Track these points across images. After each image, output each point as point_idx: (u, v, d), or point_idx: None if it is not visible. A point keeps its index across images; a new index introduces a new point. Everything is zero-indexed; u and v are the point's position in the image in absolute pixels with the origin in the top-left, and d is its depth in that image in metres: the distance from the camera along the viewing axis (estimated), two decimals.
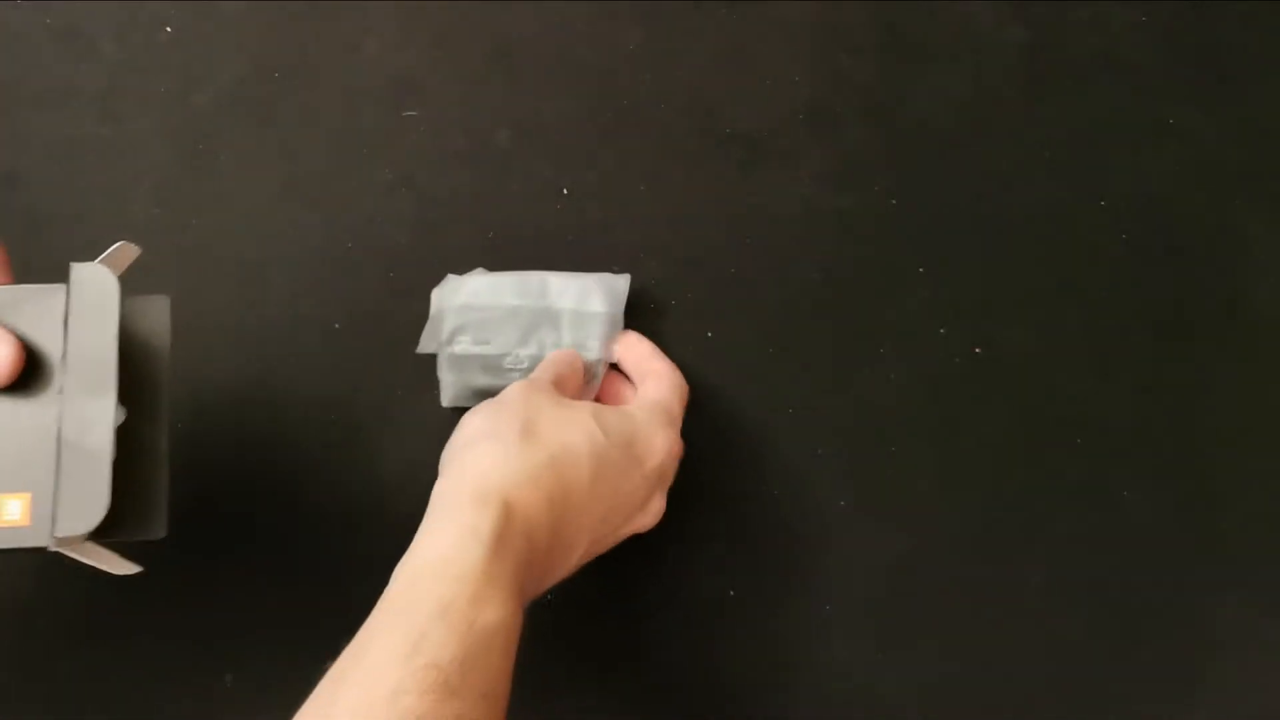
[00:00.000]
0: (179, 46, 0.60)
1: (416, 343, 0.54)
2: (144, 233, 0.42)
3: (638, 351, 0.52)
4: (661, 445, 0.46)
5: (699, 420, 0.55)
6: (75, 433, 0.35)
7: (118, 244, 0.37)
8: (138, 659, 0.51)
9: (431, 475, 0.52)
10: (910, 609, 0.53)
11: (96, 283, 0.36)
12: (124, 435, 0.36)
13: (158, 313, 0.39)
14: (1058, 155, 0.60)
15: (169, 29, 0.60)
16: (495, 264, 0.55)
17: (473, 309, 0.53)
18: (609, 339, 0.54)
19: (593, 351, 0.53)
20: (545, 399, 0.45)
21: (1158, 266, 0.58)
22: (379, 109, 0.59)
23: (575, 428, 0.44)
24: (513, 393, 0.46)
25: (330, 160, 0.58)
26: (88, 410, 0.35)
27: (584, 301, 0.53)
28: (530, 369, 0.53)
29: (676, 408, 0.50)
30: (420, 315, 0.55)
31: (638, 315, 0.55)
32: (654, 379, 0.51)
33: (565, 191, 0.58)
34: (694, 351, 0.56)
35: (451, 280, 0.55)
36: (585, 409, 0.45)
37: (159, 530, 0.38)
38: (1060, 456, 0.55)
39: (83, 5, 0.60)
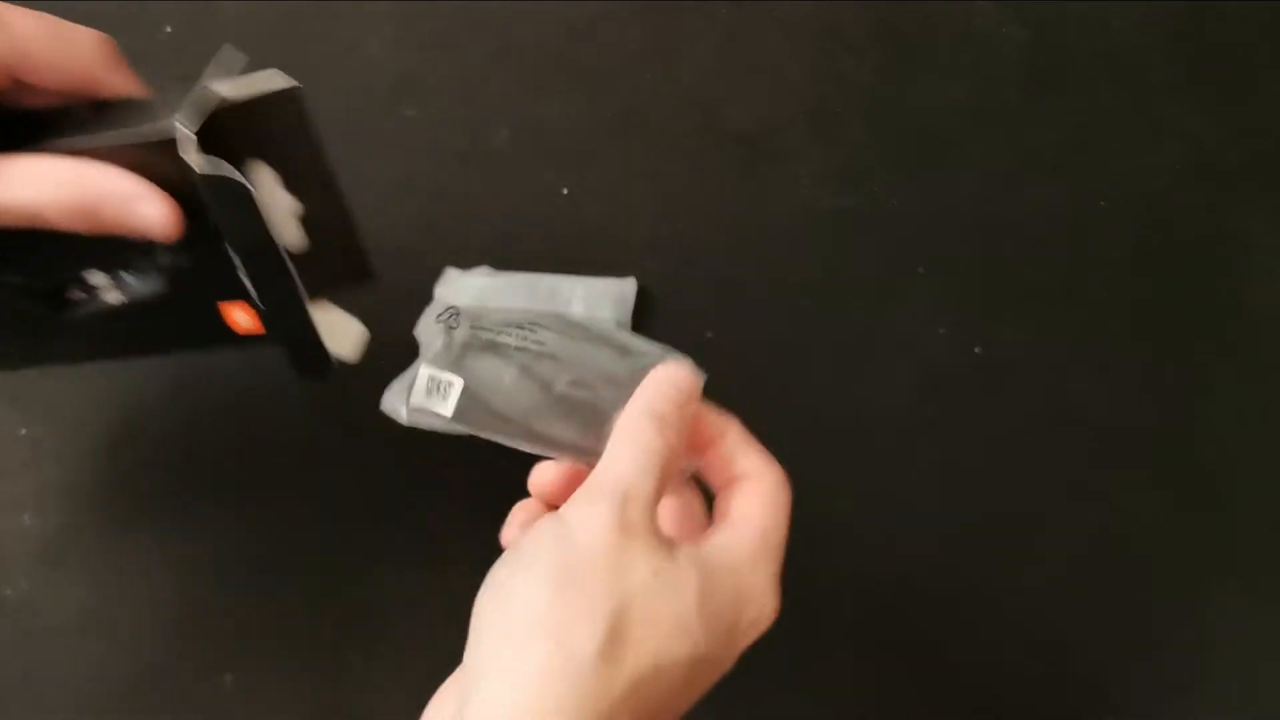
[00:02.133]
0: (179, 46, 0.60)
1: (416, 341, 0.54)
2: None
3: (724, 433, 0.36)
4: (768, 612, 0.34)
5: None
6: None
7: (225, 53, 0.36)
8: (138, 659, 0.51)
9: (433, 476, 0.52)
10: (910, 609, 0.53)
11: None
12: (308, 217, 0.38)
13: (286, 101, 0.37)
14: (1058, 155, 0.60)
15: (169, 29, 0.60)
16: (495, 264, 0.55)
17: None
18: None
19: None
20: (643, 560, 0.31)
21: (1158, 266, 0.58)
22: (379, 109, 0.59)
23: (674, 626, 0.31)
24: (594, 544, 0.31)
25: (330, 160, 0.58)
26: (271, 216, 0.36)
27: (595, 307, 0.54)
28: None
29: (786, 534, 0.36)
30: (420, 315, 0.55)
31: (638, 315, 0.55)
32: (755, 485, 0.36)
33: (565, 191, 0.58)
34: (694, 351, 0.56)
35: (453, 274, 0.55)
36: (690, 578, 0.31)
37: (371, 275, 0.40)
38: (1060, 456, 0.55)
39: (83, 5, 0.59)
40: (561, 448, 0.35)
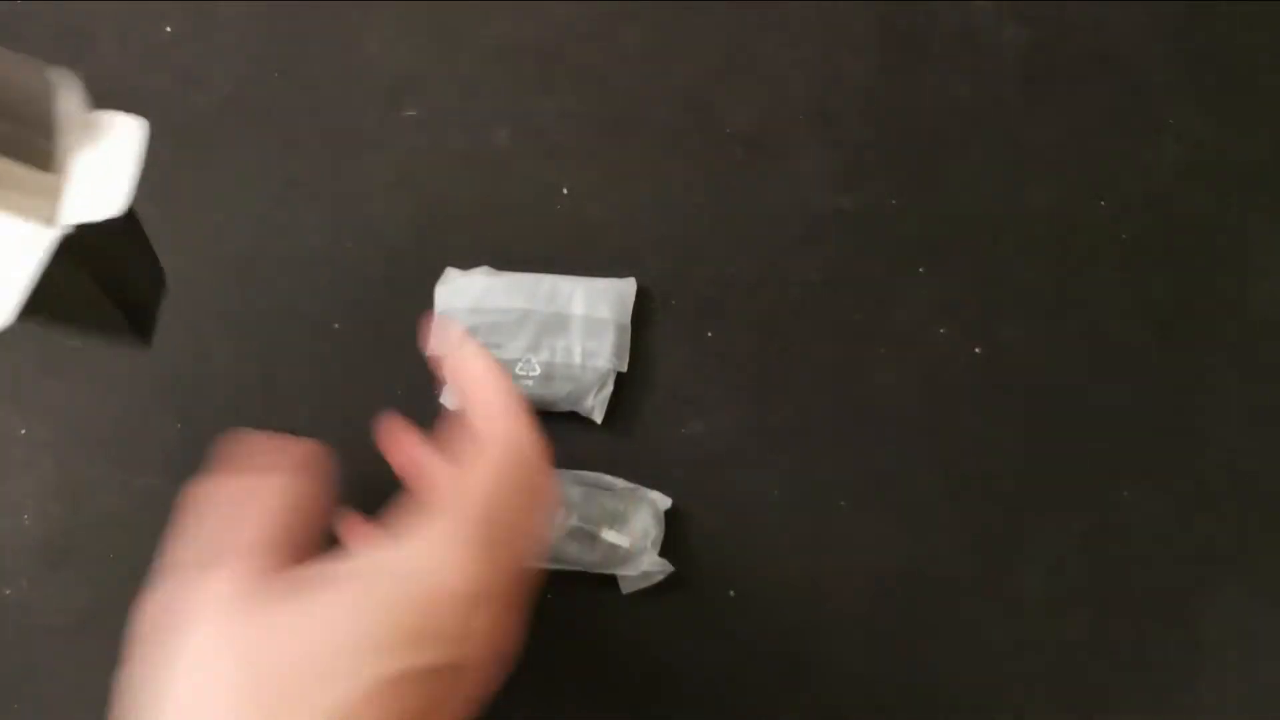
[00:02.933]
0: (179, 46, 0.60)
1: (416, 342, 0.54)
2: None
3: (481, 383, 0.36)
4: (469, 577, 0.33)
5: (699, 421, 0.55)
6: None
7: None
8: None
9: None
10: (910, 609, 0.53)
11: None
12: None
13: None
14: (1058, 155, 0.60)
15: (169, 29, 0.60)
16: (495, 264, 0.55)
17: (482, 312, 0.53)
18: (620, 347, 0.54)
19: (604, 360, 0.53)
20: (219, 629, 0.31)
21: (1158, 266, 0.58)
22: (379, 109, 0.59)
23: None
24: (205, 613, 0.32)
25: (330, 160, 0.58)
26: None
27: (594, 307, 0.54)
28: (542, 375, 0.53)
29: (523, 521, 0.35)
30: (421, 315, 0.55)
31: (638, 315, 0.55)
32: (490, 441, 0.36)
33: (565, 191, 0.58)
34: (694, 351, 0.56)
35: (453, 275, 0.55)
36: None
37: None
38: (1060, 456, 0.55)
39: (83, 5, 0.60)
40: (570, 562, 0.52)
